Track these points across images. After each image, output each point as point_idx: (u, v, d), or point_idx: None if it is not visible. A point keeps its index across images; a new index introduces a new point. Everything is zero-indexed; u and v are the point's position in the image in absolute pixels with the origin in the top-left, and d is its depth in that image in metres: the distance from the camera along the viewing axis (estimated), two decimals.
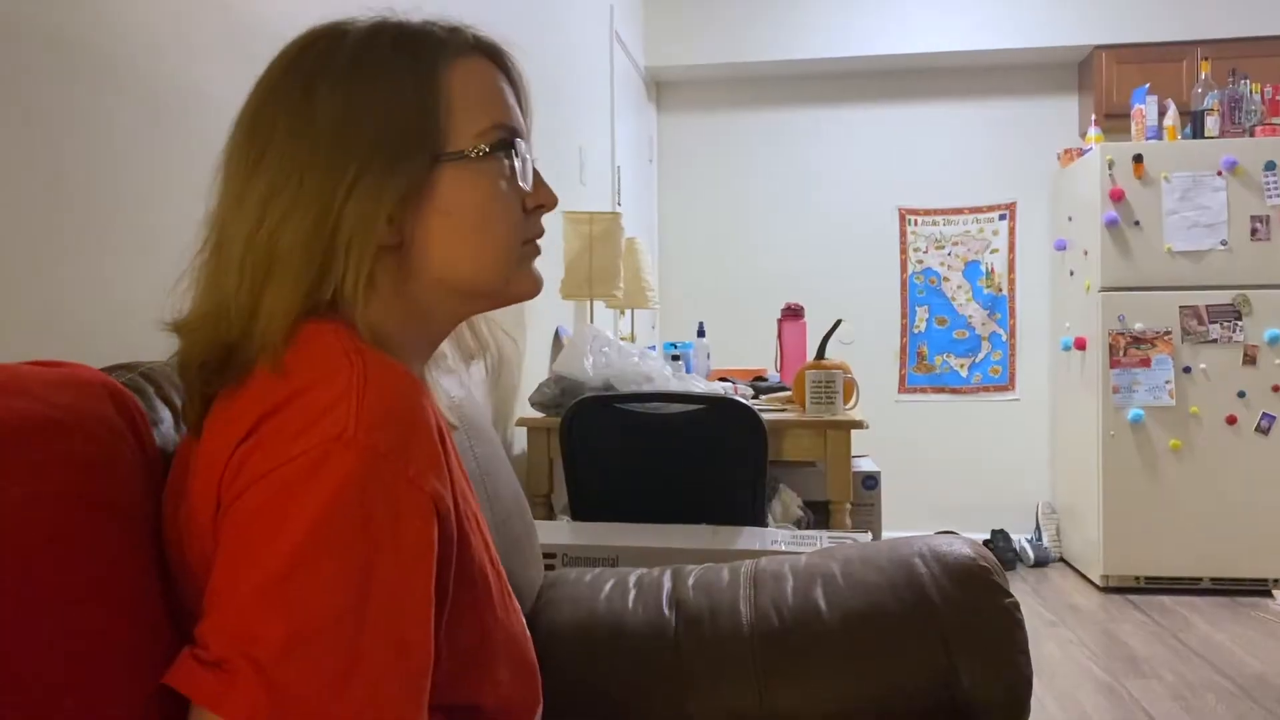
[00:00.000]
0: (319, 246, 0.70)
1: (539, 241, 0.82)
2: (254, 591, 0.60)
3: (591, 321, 3.31)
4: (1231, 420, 4.02)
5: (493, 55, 0.79)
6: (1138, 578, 4.11)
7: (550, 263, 3.11)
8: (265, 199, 0.70)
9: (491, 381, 2.19)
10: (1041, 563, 4.63)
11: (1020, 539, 4.77)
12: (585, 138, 3.63)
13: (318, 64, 0.73)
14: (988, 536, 4.82)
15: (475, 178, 0.75)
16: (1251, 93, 4.13)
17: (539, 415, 2.60)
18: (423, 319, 0.79)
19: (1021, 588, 4.23)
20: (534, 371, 2.97)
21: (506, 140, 0.77)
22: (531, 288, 0.81)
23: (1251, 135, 4.09)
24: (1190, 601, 3.93)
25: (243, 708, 0.59)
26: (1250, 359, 4.01)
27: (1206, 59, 4.31)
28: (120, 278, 1.15)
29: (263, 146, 0.72)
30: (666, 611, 1.32)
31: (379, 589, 0.62)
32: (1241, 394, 4.01)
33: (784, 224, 5.15)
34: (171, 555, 0.72)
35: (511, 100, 0.79)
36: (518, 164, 0.78)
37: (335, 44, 0.74)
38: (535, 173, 0.80)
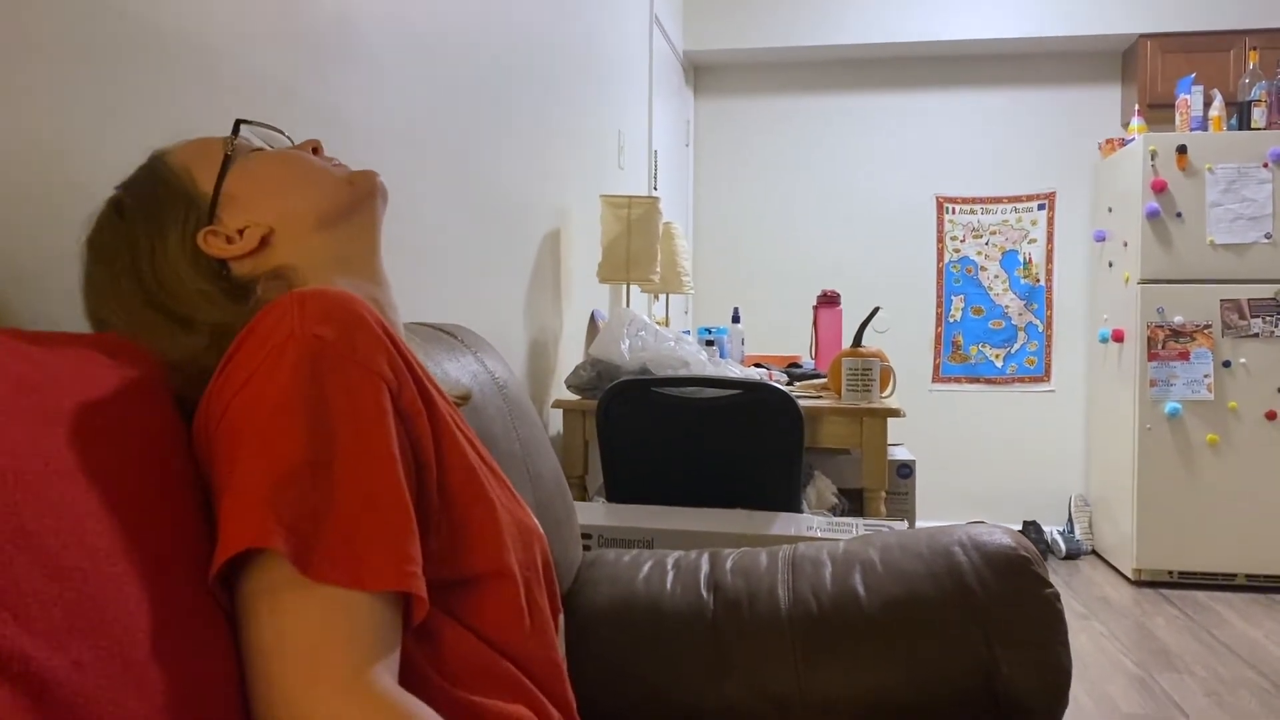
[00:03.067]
0: None
1: None
2: (243, 476, 0.67)
3: (627, 305, 3.31)
4: (1271, 416, 3.98)
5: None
6: (1170, 572, 4.08)
7: (586, 246, 3.12)
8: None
9: None
10: (1073, 555, 4.61)
11: (1052, 531, 4.75)
12: (624, 122, 3.63)
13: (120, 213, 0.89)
14: (1019, 528, 4.80)
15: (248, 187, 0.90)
16: None
17: (574, 397, 2.62)
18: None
19: (1053, 580, 4.20)
20: (570, 354, 2.99)
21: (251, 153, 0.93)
22: None
23: None
24: (1224, 597, 3.90)
25: (251, 527, 0.64)
26: None
27: (1255, 49, 4.25)
28: None
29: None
30: (705, 594, 1.33)
31: (341, 448, 0.69)
32: None
33: (820, 210, 5.12)
34: None
35: None
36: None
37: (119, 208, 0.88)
38: None
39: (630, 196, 2.91)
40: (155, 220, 0.84)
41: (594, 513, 2.10)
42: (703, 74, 5.23)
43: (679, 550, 1.49)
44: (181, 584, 0.64)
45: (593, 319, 3.23)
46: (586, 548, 1.81)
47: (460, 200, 2.09)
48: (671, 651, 1.28)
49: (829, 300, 3.54)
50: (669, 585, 1.36)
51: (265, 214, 0.85)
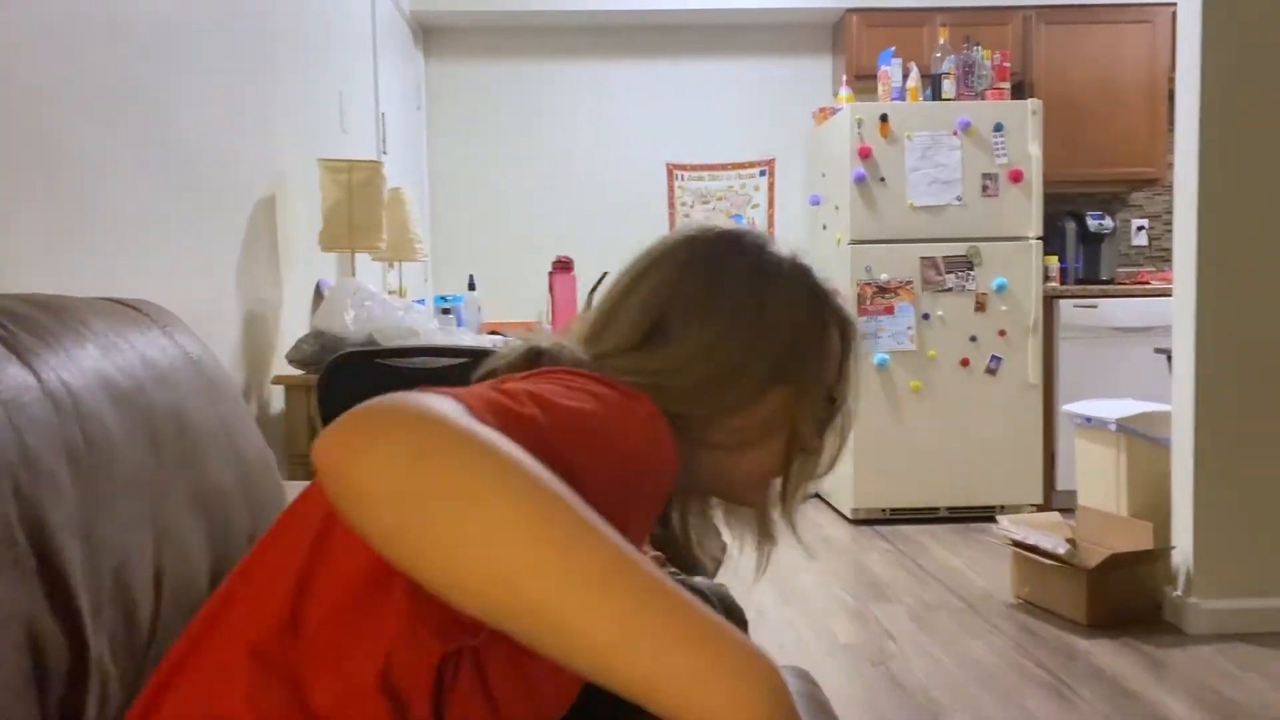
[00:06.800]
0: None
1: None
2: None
3: (354, 275, 3.21)
4: (964, 362, 4.39)
5: (849, 332, 0.96)
6: (884, 510, 4.44)
7: (308, 214, 2.99)
8: (728, 324, 0.88)
9: None
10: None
11: None
12: (345, 83, 3.49)
13: (768, 269, 0.92)
14: None
15: (808, 416, 0.91)
16: (983, 59, 4.46)
17: (297, 372, 2.52)
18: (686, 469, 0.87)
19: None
20: (294, 327, 2.86)
21: (839, 405, 0.95)
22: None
23: (982, 98, 4.42)
24: (929, 530, 4.29)
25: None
26: (980, 306, 4.37)
27: (945, 26, 4.62)
28: None
29: (724, 280, 0.91)
30: None
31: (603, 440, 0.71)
32: (973, 338, 4.38)
33: (556, 176, 5.15)
34: None
35: None
36: (834, 423, 0.95)
37: (774, 266, 0.92)
38: None
39: (351, 161, 2.82)
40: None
41: None
42: (433, 35, 5.12)
43: None
44: None
45: (318, 289, 3.11)
46: None
47: (157, 169, 1.95)
48: None
49: (563, 266, 3.59)
50: None
51: (746, 439, 0.89)
